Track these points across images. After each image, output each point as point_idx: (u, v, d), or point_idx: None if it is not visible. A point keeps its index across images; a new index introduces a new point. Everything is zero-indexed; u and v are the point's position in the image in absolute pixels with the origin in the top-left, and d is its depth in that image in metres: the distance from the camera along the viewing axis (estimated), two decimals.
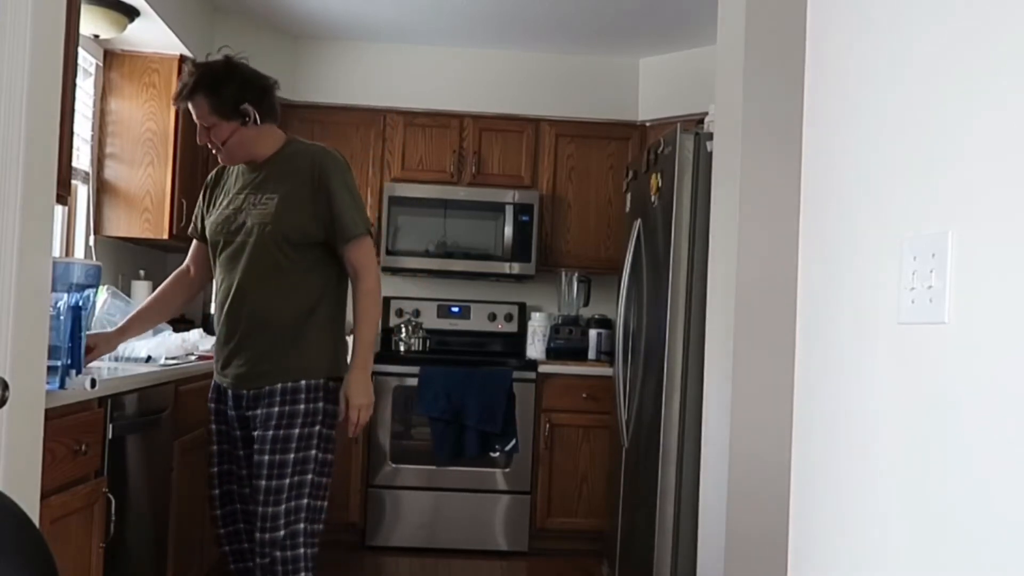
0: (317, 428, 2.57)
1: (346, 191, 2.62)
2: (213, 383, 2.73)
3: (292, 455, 2.53)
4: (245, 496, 2.66)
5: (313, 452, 2.56)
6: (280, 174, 2.64)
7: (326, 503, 2.64)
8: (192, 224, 2.86)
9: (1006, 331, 1.00)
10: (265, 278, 2.59)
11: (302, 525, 2.54)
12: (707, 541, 2.81)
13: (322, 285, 2.64)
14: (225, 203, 2.69)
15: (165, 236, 3.91)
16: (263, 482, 2.52)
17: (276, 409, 2.56)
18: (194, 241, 2.86)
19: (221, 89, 2.56)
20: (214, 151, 2.63)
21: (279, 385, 2.56)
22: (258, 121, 2.61)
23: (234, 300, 2.61)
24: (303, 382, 2.57)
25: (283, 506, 2.52)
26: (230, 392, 2.64)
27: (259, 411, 2.56)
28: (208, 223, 2.72)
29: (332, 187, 2.59)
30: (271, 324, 2.59)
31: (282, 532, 2.51)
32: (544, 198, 4.81)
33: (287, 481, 2.52)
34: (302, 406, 2.56)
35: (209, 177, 2.83)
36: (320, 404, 2.58)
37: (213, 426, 2.70)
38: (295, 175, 2.62)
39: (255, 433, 2.57)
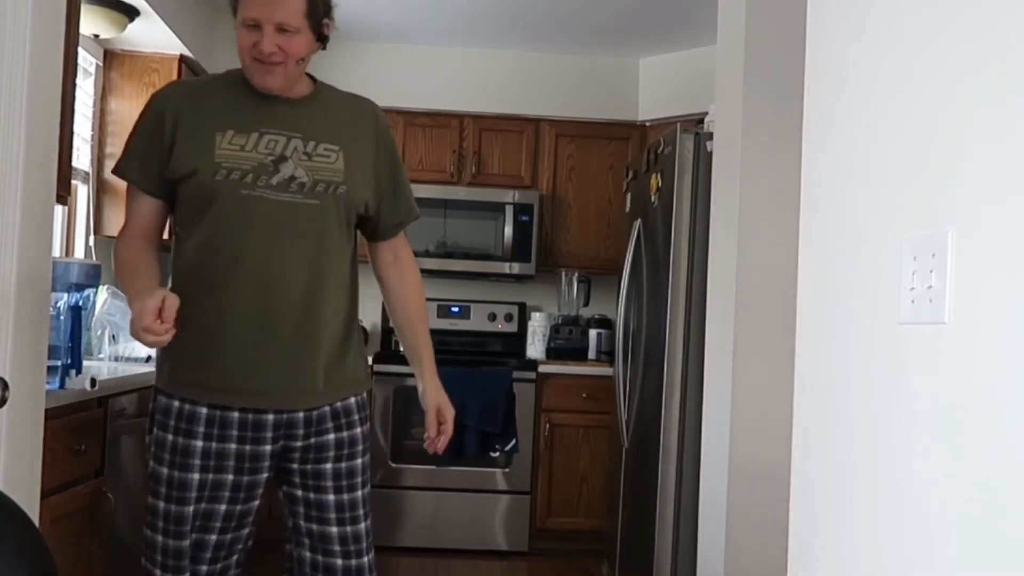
0: (368, 456, 2.06)
1: (402, 162, 2.14)
2: (183, 410, 1.89)
3: (360, 492, 2.01)
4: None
5: (370, 486, 2.06)
6: (332, 120, 2.03)
7: None
8: (137, 166, 1.98)
9: (1006, 331, 1.00)
10: (329, 262, 1.97)
11: None
12: (707, 541, 2.81)
13: (356, 274, 2.12)
14: (245, 142, 1.91)
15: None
16: (334, 528, 1.98)
17: (332, 436, 1.98)
18: (138, 196, 1.98)
19: None
20: (262, 68, 1.96)
21: (327, 407, 1.97)
22: (324, 47, 2.06)
23: (275, 287, 1.90)
24: (354, 399, 2.02)
25: (366, 557, 2.01)
26: (270, 418, 1.91)
27: (314, 440, 1.95)
28: (204, 164, 1.89)
29: (396, 154, 2.09)
30: (330, 326, 2.00)
31: None
32: (544, 198, 4.81)
33: (363, 525, 2.01)
34: (359, 429, 2.02)
35: (164, 100, 2.02)
36: (368, 425, 2.06)
37: (210, 476, 1.88)
38: (355, 126, 2.04)
39: (298, 466, 1.97)
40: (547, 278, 4.97)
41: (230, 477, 1.91)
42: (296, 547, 2.04)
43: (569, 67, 4.89)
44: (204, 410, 1.89)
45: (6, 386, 1.53)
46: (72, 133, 2.57)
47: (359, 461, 2.01)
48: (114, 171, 1.99)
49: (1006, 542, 0.99)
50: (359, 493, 2.00)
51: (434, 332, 4.85)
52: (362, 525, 2.00)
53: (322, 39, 2.02)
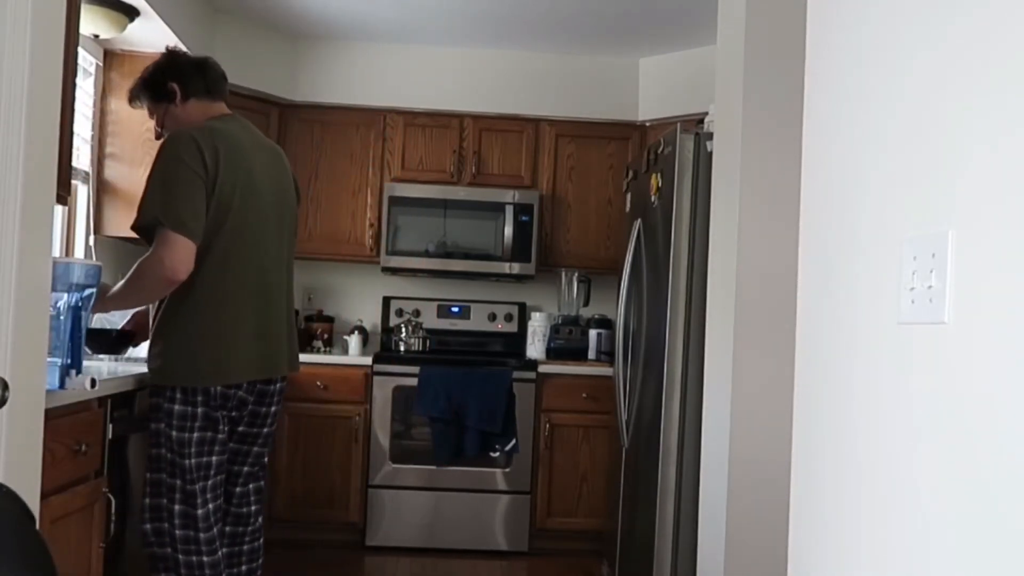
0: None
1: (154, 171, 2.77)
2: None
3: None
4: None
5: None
6: None
7: None
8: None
9: (1006, 331, 1.00)
10: None
11: None
12: (707, 541, 2.81)
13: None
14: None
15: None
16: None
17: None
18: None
19: None
20: None
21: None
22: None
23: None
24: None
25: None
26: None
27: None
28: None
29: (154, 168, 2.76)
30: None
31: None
32: (544, 198, 4.81)
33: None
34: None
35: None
36: None
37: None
38: None
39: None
40: (547, 278, 4.97)
41: None
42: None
43: (569, 67, 4.89)
44: None
45: (6, 386, 1.53)
46: (72, 133, 2.57)
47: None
48: None
49: (1005, 542, 0.99)
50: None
51: (434, 332, 4.93)
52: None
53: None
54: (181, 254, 2.45)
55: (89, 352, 2.79)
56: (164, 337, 2.57)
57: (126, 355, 3.06)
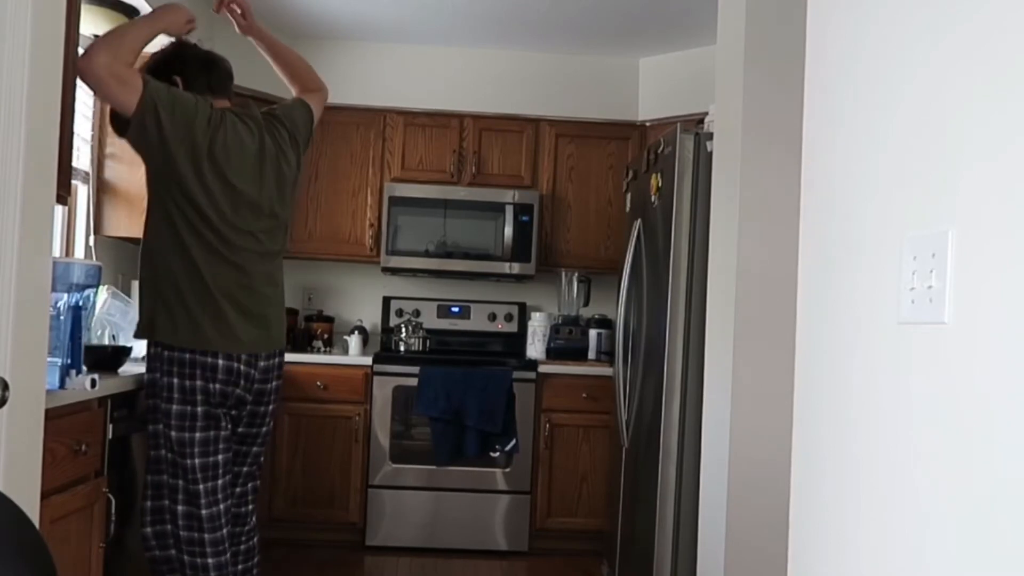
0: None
1: None
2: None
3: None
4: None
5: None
6: None
7: None
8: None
9: (1006, 331, 1.00)
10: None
11: None
12: (707, 541, 2.81)
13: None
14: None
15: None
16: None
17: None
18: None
19: None
20: None
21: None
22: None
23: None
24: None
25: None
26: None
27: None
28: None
29: None
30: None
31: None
32: (544, 198, 4.81)
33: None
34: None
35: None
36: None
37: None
38: None
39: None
40: (547, 278, 4.97)
41: None
42: None
43: (569, 67, 4.89)
44: None
45: (6, 386, 1.53)
46: (72, 133, 2.56)
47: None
48: None
49: (1005, 541, 0.99)
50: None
51: (434, 332, 4.93)
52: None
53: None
54: (119, 89, 2.49)
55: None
56: (144, 299, 2.61)
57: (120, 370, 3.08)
